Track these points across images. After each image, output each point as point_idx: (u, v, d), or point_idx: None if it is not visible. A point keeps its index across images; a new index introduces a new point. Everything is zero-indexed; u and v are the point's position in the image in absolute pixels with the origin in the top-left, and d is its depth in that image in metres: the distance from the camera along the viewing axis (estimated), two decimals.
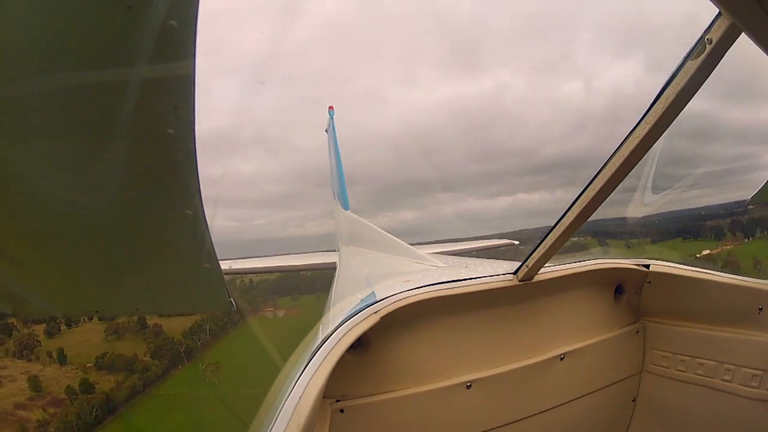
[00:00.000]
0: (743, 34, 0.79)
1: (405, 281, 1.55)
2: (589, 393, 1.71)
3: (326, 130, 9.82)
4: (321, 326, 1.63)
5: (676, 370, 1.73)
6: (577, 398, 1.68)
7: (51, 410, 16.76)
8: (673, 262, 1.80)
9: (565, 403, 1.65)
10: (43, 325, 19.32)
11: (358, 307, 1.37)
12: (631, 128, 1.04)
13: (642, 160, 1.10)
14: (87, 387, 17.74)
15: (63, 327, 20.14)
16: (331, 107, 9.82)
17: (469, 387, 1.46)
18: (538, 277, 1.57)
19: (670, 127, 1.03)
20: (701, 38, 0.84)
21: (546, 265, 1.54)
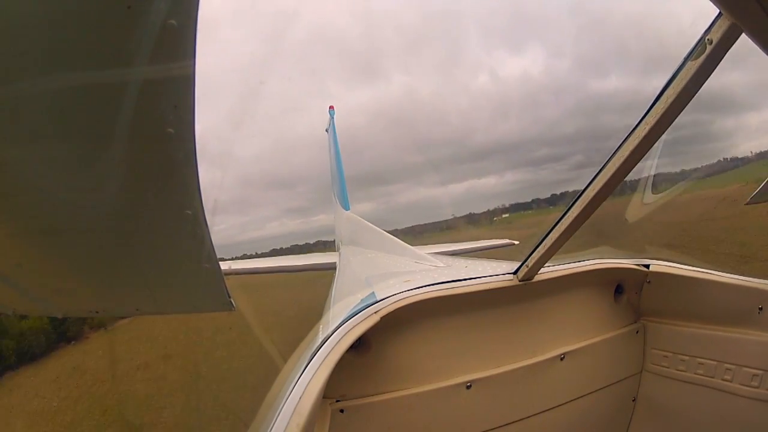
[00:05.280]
0: (743, 34, 0.79)
1: (405, 281, 1.55)
2: (589, 393, 1.71)
3: (326, 130, 9.82)
4: (321, 326, 1.63)
5: (676, 370, 1.73)
6: (577, 398, 1.68)
7: None
8: (672, 261, 1.80)
9: (565, 403, 1.65)
10: None
11: (358, 307, 1.37)
12: (631, 128, 1.04)
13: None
14: None
15: None
16: (331, 107, 9.82)
17: (469, 387, 1.46)
18: (538, 277, 1.57)
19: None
20: (701, 38, 0.84)
21: (546, 265, 1.54)
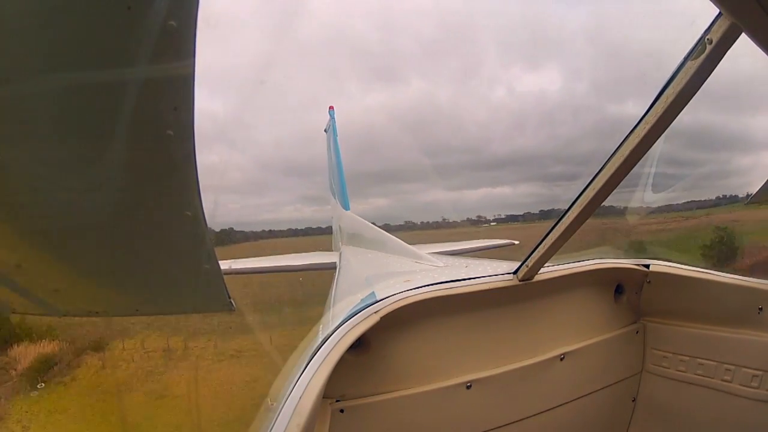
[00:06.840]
0: (743, 34, 0.79)
1: (405, 281, 1.55)
2: (589, 393, 1.70)
3: (325, 130, 9.78)
4: (321, 326, 1.63)
5: (676, 370, 1.73)
6: (577, 398, 1.68)
7: None
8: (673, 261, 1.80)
9: (565, 403, 1.65)
10: None
11: (358, 307, 1.36)
12: (631, 128, 1.04)
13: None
14: None
15: None
16: (331, 107, 9.79)
17: (469, 387, 1.46)
18: (538, 277, 1.56)
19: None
20: (701, 38, 0.84)
21: (546, 264, 1.54)
